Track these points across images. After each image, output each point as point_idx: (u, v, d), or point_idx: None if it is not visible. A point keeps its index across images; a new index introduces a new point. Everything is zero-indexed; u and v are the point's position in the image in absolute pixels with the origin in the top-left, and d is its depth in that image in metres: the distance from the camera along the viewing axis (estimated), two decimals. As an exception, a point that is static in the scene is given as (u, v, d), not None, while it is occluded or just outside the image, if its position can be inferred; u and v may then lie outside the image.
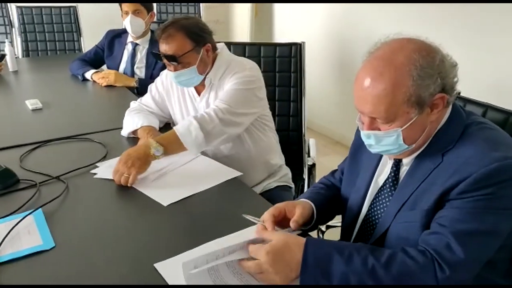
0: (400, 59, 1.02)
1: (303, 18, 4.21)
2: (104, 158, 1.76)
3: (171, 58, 1.77)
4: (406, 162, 1.17)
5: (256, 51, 2.31)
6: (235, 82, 1.80)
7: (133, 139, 1.92)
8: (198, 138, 1.67)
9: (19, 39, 3.90)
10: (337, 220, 1.43)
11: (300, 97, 2.30)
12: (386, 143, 1.10)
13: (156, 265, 1.13)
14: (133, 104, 2.07)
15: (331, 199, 1.39)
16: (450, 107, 1.12)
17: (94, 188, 1.56)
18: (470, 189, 1.00)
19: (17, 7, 3.82)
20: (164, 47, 1.78)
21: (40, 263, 1.17)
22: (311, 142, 2.25)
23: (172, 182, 1.60)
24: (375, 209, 1.23)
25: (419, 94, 1.02)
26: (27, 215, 1.34)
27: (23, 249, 1.21)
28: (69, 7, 3.89)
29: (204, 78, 1.87)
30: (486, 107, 1.36)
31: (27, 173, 1.63)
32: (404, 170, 1.17)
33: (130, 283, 1.09)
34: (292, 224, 1.20)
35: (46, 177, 1.59)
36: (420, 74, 1.01)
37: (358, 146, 1.33)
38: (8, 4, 4.02)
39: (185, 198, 1.47)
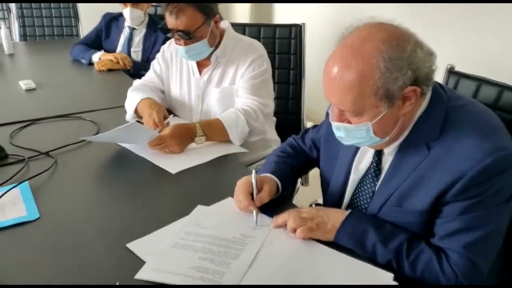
0: (367, 49, 0.95)
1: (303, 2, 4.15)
2: (97, 134, 1.71)
3: (184, 33, 1.70)
4: (388, 152, 1.11)
5: (255, 32, 2.25)
6: (261, 70, 1.78)
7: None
8: (243, 132, 1.68)
9: (16, 24, 3.85)
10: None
11: (299, 79, 2.24)
12: (357, 136, 1.05)
13: (128, 245, 1.07)
14: (136, 82, 2.02)
15: (297, 168, 1.38)
16: (429, 93, 1.05)
17: (82, 164, 1.51)
18: (467, 189, 0.96)
19: (15, -8, 3.77)
20: (174, 22, 1.69)
21: (24, 233, 1.14)
22: (309, 126, 2.20)
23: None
24: (359, 199, 1.18)
25: (387, 88, 0.96)
26: (12, 188, 1.30)
27: (7, 219, 1.17)
28: (67, -8, 3.83)
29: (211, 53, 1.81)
30: (480, 81, 1.32)
31: (16, 149, 1.59)
32: (386, 159, 1.12)
33: (108, 258, 1.05)
34: (257, 201, 1.17)
35: (35, 153, 1.55)
36: (388, 67, 0.94)
37: None
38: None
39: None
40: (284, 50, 2.23)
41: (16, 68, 2.87)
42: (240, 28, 2.25)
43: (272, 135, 2.02)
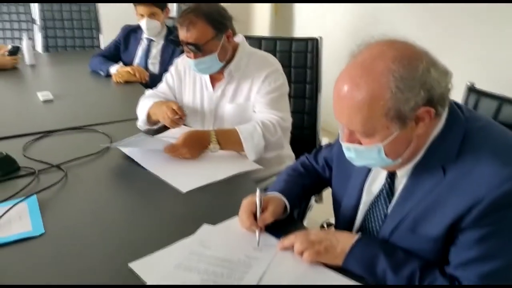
0: (378, 68, 0.91)
1: (324, 16, 4.12)
2: (108, 148, 1.70)
3: (194, 46, 1.70)
4: (401, 174, 1.06)
5: (272, 45, 2.24)
6: (277, 84, 1.76)
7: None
8: (259, 146, 1.65)
9: (39, 35, 3.92)
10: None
11: (315, 94, 2.21)
12: (368, 157, 1.01)
13: (131, 264, 1.05)
14: (147, 91, 2.03)
15: (308, 187, 1.34)
16: (445, 113, 1.00)
17: (93, 178, 1.51)
18: (483, 216, 0.91)
19: (39, 3, 3.85)
20: (185, 34, 1.70)
21: (28, 249, 1.12)
22: (324, 142, 2.16)
23: (189, 168, 1.56)
24: (371, 222, 1.13)
25: (398, 108, 0.91)
26: (20, 201, 1.29)
27: (12, 234, 1.16)
28: (89, 4, 3.88)
29: (223, 67, 1.80)
30: (502, 100, 1.26)
31: (28, 161, 1.59)
32: (399, 182, 1.07)
33: (110, 278, 1.02)
34: (260, 222, 1.14)
35: (46, 165, 1.55)
36: (399, 86, 0.90)
37: None
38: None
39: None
40: (300, 64, 2.20)
41: (36, 79, 2.92)
42: (256, 41, 2.24)
43: (287, 150, 1.98)
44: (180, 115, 1.74)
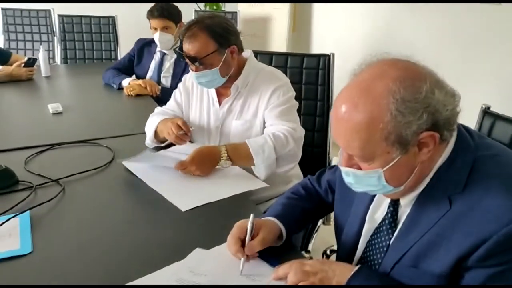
0: (378, 89, 0.85)
1: (342, 34, 4.07)
2: (109, 163, 1.67)
3: (193, 59, 1.69)
4: (404, 203, 0.99)
5: (282, 61, 2.18)
6: (286, 97, 1.72)
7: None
8: (270, 159, 1.61)
9: (59, 47, 3.98)
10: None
11: (326, 111, 2.14)
12: (367, 183, 0.94)
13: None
14: (157, 109, 2.01)
15: (309, 212, 1.26)
16: (453, 139, 0.93)
17: (91, 194, 1.47)
18: (491, 255, 0.83)
19: (59, 16, 3.91)
20: (187, 47, 1.69)
21: (13, 268, 1.09)
22: (334, 161, 2.09)
23: (193, 185, 1.52)
24: (373, 252, 1.05)
25: (399, 133, 0.85)
26: (11, 217, 1.26)
27: (-1, 252, 1.12)
28: (108, 17, 3.93)
29: (228, 82, 1.76)
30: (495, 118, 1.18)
31: (28, 174, 1.57)
32: (403, 211, 1.00)
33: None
34: (246, 249, 1.06)
35: (45, 179, 1.52)
36: (400, 109, 0.83)
37: None
38: (52, 12, 4.12)
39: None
40: (311, 80, 2.15)
41: (49, 91, 2.94)
42: (267, 57, 2.20)
43: (294, 170, 1.92)
44: (185, 131, 1.70)
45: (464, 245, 0.85)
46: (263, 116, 1.75)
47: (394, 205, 1.01)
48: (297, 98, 2.10)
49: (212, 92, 1.84)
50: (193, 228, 1.29)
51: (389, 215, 1.02)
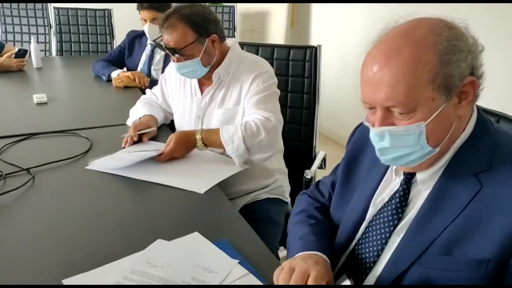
0: (420, 32, 0.82)
1: (341, 29, 4.01)
2: (86, 153, 1.64)
3: (173, 50, 1.66)
4: (421, 178, 0.91)
5: (269, 53, 2.14)
6: (266, 85, 1.67)
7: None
8: (239, 149, 1.57)
9: (54, 39, 3.96)
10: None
11: (313, 105, 2.09)
12: (405, 143, 0.85)
13: (64, 281, 0.96)
14: (148, 92, 2.05)
15: (331, 230, 1.12)
16: (474, 118, 0.89)
17: (61, 184, 1.44)
18: None
19: (55, 8, 3.89)
20: (166, 38, 1.66)
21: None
22: (319, 156, 2.04)
23: (169, 169, 1.55)
24: (370, 238, 0.96)
25: (447, 73, 0.81)
26: (-28, 205, 1.23)
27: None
28: (104, 10, 3.91)
29: (211, 71, 1.73)
30: (499, 117, 1.11)
31: (1, 163, 1.54)
32: (418, 190, 0.92)
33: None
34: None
35: (16, 168, 1.49)
36: (448, 48, 0.80)
37: (352, 160, 1.11)
38: (48, 4, 4.10)
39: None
40: (298, 73, 2.09)
41: (38, 82, 2.92)
42: (253, 48, 2.15)
43: (277, 163, 1.87)
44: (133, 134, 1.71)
45: (508, 227, 0.79)
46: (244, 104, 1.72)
47: (408, 182, 0.94)
48: (284, 90, 2.08)
49: (194, 81, 1.81)
50: (158, 219, 1.26)
51: (401, 193, 0.94)
